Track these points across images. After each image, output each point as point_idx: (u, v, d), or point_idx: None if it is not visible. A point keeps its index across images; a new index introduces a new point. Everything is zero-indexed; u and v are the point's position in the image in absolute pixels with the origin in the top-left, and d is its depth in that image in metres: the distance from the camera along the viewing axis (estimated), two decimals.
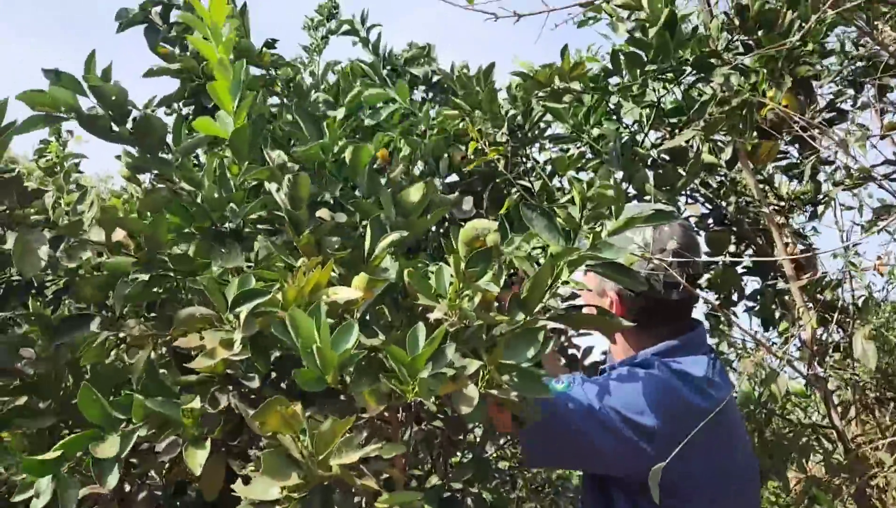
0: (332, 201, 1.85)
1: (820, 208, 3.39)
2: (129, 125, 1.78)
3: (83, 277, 1.85)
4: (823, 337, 3.08)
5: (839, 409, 2.99)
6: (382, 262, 1.67)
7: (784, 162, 3.39)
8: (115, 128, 1.77)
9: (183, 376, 1.61)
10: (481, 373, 1.50)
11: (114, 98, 1.75)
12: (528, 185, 2.69)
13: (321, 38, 3.40)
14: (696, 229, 2.81)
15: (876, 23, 2.67)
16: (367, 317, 1.68)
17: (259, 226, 1.90)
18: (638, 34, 2.54)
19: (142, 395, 1.46)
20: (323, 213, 1.77)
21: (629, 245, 2.07)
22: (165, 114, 2.77)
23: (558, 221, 1.65)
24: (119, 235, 1.83)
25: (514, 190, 2.56)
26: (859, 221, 3.25)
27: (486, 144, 2.48)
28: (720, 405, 1.85)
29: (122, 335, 1.77)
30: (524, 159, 2.78)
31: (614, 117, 2.70)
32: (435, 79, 3.13)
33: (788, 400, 3.34)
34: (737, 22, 2.75)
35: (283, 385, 1.73)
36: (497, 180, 2.63)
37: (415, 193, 1.81)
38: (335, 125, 1.96)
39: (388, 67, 3.08)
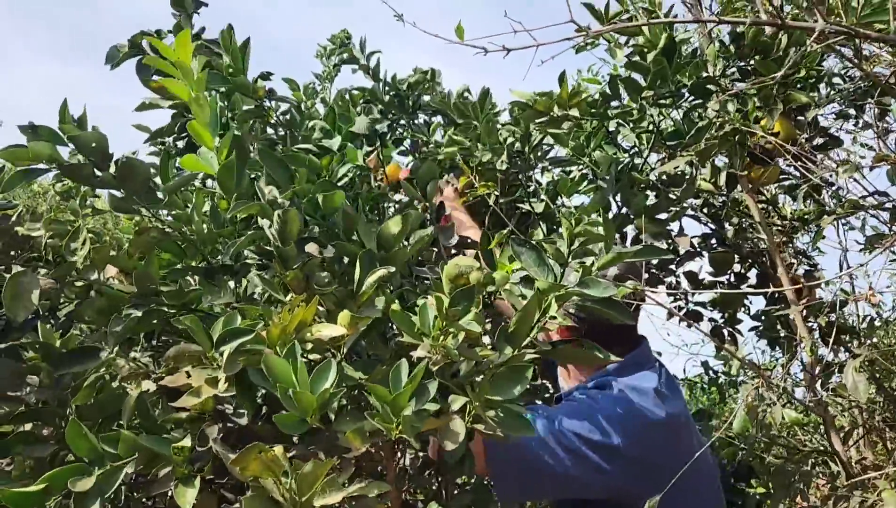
0: (318, 236, 1.87)
1: (824, 229, 3.38)
2: (112, 169, 1.79)
3: (85, 301, 1.87)
4: (826, 359, 3.07)
5: (842, 433, 2.97)
6: (370, 297, 1.68)
7: (787, 183, 3.39)
8: (98, 173, 1.78)
9: (174, 412, 1.62)
10: (467, 408, 1.51)
11: (93, 145, 1.77)
12: (530, 208, 2.71)
13: (333, 67, 3.43)
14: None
15: (864, 50, 2.67)
16: (356, 352, 1.69)
17: (248, 261, 1.91)
18: (636, 59, 2.56)
19: (132, 432, 1.48)
20: (311, 248, 1.78)
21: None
22: (156, 147, 2.80)
23: (547, 256, 1.66)
24: (111, 271, 1.86)
25: (508, 218, 2.58)
26: (862, 240, 3.22)
27: (477, 178, 2.50)
28: (677, 414, 1.99)
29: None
30: (526, 183, 2.79)
31: (612, 142, 2.71)
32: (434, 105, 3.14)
33: (787, 428, 3.32)
34: (732, 49, 2.76)
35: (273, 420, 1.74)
36: (490, 207, 2.64)
37: (394, 225, 1.82)
38: (325, 161, 1.97)
39: (392, 93, 3.10)
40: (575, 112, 2.52)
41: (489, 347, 1.59)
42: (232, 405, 1.62)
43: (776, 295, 3.15)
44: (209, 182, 2.37)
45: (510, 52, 2.01)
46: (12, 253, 1.89)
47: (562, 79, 2.52)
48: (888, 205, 2.91)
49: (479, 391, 1.51)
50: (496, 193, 2.60)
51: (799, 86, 2.72)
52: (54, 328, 1.93)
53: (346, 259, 1.84)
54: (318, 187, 1.83)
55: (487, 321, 1.68)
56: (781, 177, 3.22)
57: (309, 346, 1.55)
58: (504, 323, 1.66)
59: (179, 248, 1.88)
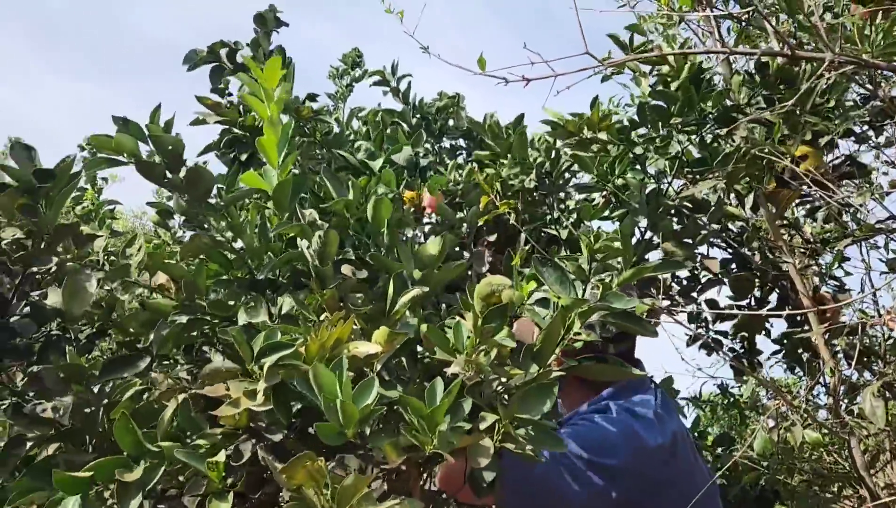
0: (354, 258, 1.91)
1: (836, 252, 3.39)
2: (181, 174, 1.89)
3: (129, 313, 1.95)
4: (849, 381, 3.07)
5: (868, 457, 2.97)
6: (403, 316, 1.72)
7: (807, 205, 3.40)
8: (169, 175, 1.88)
9: (209, 426, 1.66)
10: (496, 427, 1.53)
11: (170, 148, 1.87)
12: (556, 232, 2.74)
13: (346, 87, 3.48)
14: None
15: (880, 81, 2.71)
16: (386, 370, 1.73)
17: (285, 278, 1.96)
18: (660, 87, 2.60)
19: (169, 443, 1.53)
20: (346, 269, 1.82)
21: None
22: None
23: (568, 273, 1.70)
24: (162, 278, 1.93)
25: (524, 238, 2.62)
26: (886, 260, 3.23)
27: (498, 197, 2.54)
28: (675, 438, 2.04)
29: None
30: (551, 207, 2.83)
31: (638, 167, 2.75)
32: (464, 126, 3.18)
33: (811, 451, 3.32)
34: (757, 78, 2.78)
35: (306, 435, 1.77)
36: (512, 227, 2.68)
37: (432, 247, 1.87)
38: (363, 182, 2.02)
39: (419, 116, 3.14)
40: (603, 135, 2.56)
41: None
42: (265, 422, 1.66)
43: (797, 318, 3.16)
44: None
45: (529, 81, 2.06)
46: (74, 253, 1.96)
47: (594, 103, 2.57)
48: None
49: (509, 409, 1.53)
50: (517, 208, 2.63)
51: (825, 116, 2.74)
52: (76, 350, 1.99)
53: (379, 280, 1.88)
54: (369, 197, 1.89)
55: None
56: (803, 199, 3.25)
57: (346, 363, 1.59)
58: (525, 344, 1.68)
59: (227, 259, 1.94)
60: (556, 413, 1.75)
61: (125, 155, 1.86)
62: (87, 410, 1.85)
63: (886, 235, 3.10)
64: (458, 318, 1.66)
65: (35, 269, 1.96)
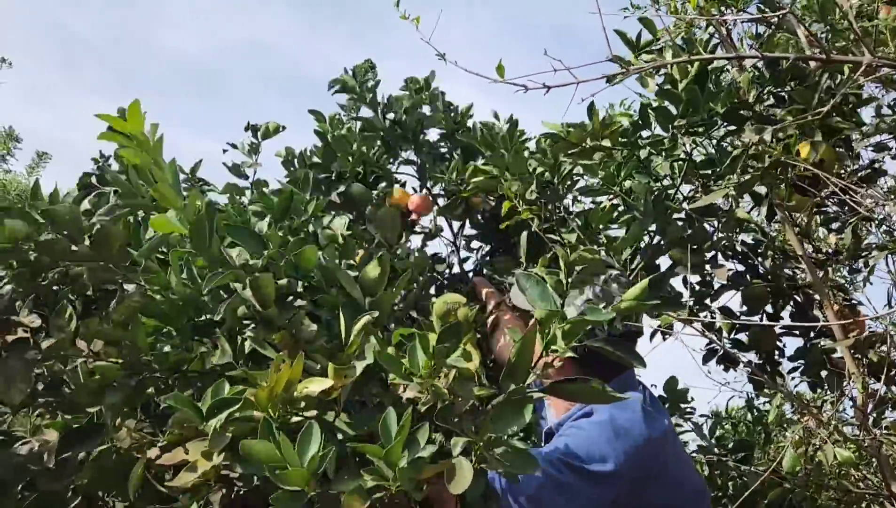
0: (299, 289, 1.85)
1: (863, 263, 3.29)
2: (87, 241, 1.81)
3: (78, 385, 1.84)
4: (878, 396, 2.95)
5: None
6: (358, 345, 1.66)
7: (823, 215, 3.31)
8: (74, 247, 1.80)
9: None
10: (471, 449, 1.47)
11: (67, 218, 1.79)
12: (560, 239, 2.65)
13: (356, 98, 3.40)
14: None
15: None
16: (354, 402, 1.68)
17: (245, 320, 1.89)
18: (667, 87, 2.53)
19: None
20: (299, 301, 1.75)
21: (577, 298, 2.07)
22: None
23: (548, 287, 1.63)
24: (99, 345, 1.84)
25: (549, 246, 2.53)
26: None
27: (521, 202, 2.45)
28: (663, 429, 2.08)
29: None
30: (556, 213, 2.74)
31: (644, 171, 2.66)
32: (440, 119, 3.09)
33: (839, 467, 3.19)
34: (767, 75, 2.71)
35: None
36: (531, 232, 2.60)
37: (372, 270, 1.81)
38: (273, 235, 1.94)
39: (391, 117, 3.03)
40: (607, 143, 2.50)
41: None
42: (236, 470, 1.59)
43: (815, 331, 3.05)
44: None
45: (550, 89, 2.02)
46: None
47: (591, 110, 2.50)
48: None
49: (482, 430, 1.47)
50: (539, 214, 2.55)
51: (844, 116, 2.66)
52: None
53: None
54: (290, 248, 1.82)
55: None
56: (821, 208, 3.15)
57: (303, 404, 1.53)
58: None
59: (163, 312, 1.85)
60: (531, 429, 1.66)
61: (22, 242, 1.77)
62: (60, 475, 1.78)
63: None
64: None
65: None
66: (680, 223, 2.67)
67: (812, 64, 2.67)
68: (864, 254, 3.20)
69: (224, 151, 3.23)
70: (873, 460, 2.96)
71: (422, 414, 1.48)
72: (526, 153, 2.70)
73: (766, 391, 3.42)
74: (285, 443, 1.36)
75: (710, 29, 3.21)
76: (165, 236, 1.83)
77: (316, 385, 1.51)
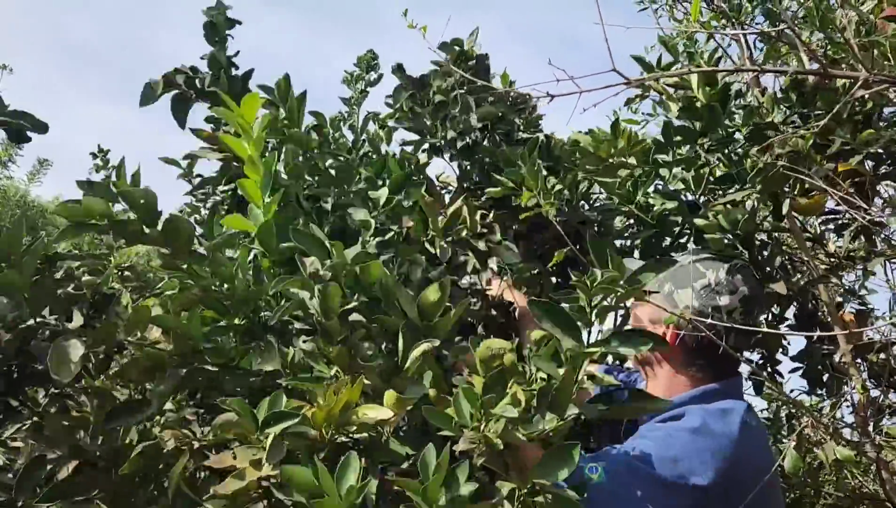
0: (361, 307, 1.81)
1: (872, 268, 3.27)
2: (159, 227, 1.79)
3: (130, 360, 1.84)
4: (878, 400, 2.96)
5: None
6: (415, 371, 1.63)
7: (832, 220, 3.28)
8: (147, 230, 1.79)
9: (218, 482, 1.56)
10: (516, 493, 1.43)
11: (142, 201, 1.77)
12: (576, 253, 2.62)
13: (360, 92, 3.33)
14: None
15: None
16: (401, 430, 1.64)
17: (296, 326, 1.87)
18: (688, 104, 2.48)
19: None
20: (355, 317, 1.72)
21: (698, 280, 2.03)
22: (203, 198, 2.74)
23: (572, 317, 1.54)
24: (154, 332, 1.84)
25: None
26: None
27: (542, 195, 2.39)
28: (773, 461, 1.87)
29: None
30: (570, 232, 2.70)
31: (668, 191, 2.61)
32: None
33: (837, 471, 3.21)
34: (794, 96, 2.66)
35: None
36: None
37: (432, 294, 1.76)
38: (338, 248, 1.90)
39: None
40: (632, 160, 2.46)
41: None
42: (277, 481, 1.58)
43: (821, 337, 3.04)
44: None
45: (553, 98, 1.96)
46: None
47: (616, 126, 2.45)
48: None
49: (528, 476, 1.43)
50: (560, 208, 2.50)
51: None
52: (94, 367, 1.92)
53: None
54: (355, 260, 1.77)
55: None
56: (828, 215, 3.13)
57: (355, 427, 1.51)
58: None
59: (222, 306, 1.85)
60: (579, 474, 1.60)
61: (97, 218, 1.76)
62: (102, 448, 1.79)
63: None
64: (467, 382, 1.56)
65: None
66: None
67: (839, 82, 2.63)
68: (865, 260, 3.18)
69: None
70: (872, 466, 2.99)
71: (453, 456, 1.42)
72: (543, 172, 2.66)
73: (766, 391, 3.43)
74: (324, 473, 1.33)
75: (719, 41, 3.17)
76: (237, 233, 1.83)
77: (374, 413, 1.48)
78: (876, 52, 2.27)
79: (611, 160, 2.46)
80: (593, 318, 1.53)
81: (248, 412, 1.48)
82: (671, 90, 2.53)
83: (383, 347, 1.74)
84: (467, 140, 2.72)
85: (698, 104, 2.44)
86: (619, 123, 2.47)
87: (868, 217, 2.45)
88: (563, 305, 1.57)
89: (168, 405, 1.92)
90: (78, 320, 1.82)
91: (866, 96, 2.37)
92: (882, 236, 3.04)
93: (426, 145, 2.77)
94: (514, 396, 1.45)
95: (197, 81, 2.49)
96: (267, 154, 1.87)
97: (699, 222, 2.40)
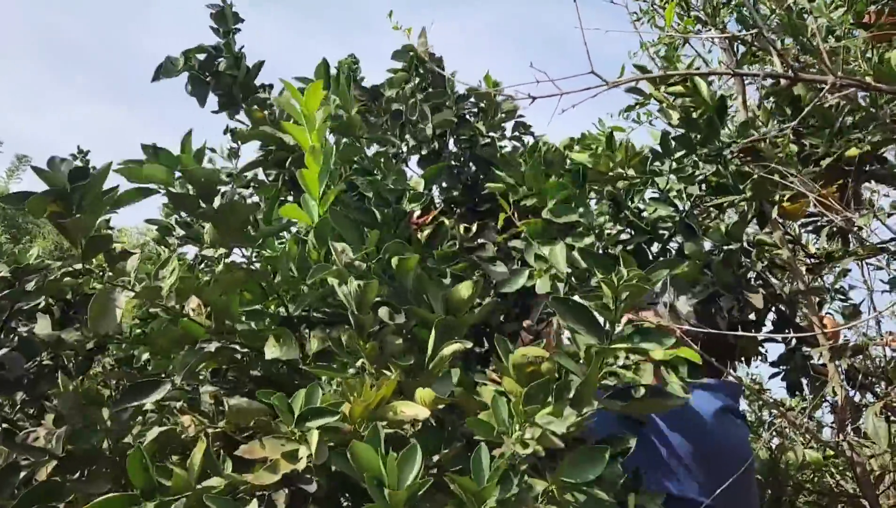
0: (387, 299, 1.79)
1: (843, 268, 3.30)
2: (215, 204, 1.78)
3: (160, 328, 1.83)
4: (853, 402, 2.98)
5: (872, 477, 2.89)
6: (442, 370, 1.60)
7: (812, 222, 3.30)
8: (203, 205, 1.77)
9: (236, 467, 1.52)
10: (542, 490, 1.42)
11: (203, 179, 1.75)
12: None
13: None
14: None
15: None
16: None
17: (316, 314, 1.85)
18: (685, 116, 2.47)
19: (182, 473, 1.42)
20: (383, 313, 1.69)
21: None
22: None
23: (596, 314, 1.55)
24: (193, 303, 1.80)
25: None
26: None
27: (516, 215, 2.38)
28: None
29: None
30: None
31: (657, 195, 2.60)
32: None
33: (814, 471, 3.24)
34: (789, 111, 2.67)
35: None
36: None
37: (464, 290, 1.74)
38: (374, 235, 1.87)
39: None
40: (631, 171, 2.44)
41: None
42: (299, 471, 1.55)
43: (799, 342, 3.06)
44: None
45: (535, 99, 1.97)
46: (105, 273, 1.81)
47: (610, 139, 2.43)
48: None
49: (557, 474, 1.42)
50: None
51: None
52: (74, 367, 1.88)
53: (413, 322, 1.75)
54: (392, 249, 1.75)
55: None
56: (807, 217, 3.15)
57: (386, 423, 1.48)
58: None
59: (262, 291, 1.83)
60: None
61: (157, 184, 1.74)
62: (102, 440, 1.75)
63: (889, 254, 3.01)
64: (490, 380, 1.55)
65: (23, 305, 1.85)
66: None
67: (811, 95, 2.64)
68: (839, 261, 3.20)
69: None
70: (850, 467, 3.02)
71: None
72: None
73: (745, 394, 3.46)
74: (390, 460, 1.30)
75: (697, 48, 3.17)
76: (292, 222, 1.79)
77: (411, 410, 1.46)
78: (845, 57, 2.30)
79: (611, 173, 2.44)
80: (618, 316, 1.52)
81: (287, 407, 1.45)
82: (671, 98, 2.51)
83: (409, 342, 1.71)
84: (432, 147, 2.69)
85: (695, 114, 2.44)
86: (612, 137, 2.45)
87: (843, 216, 2.48)
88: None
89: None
90: (44, 325, 1.79)
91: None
92: (856, 236, 3.06)
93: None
94: (558, 407, 1.43)
95: (215, 63, 2.45)
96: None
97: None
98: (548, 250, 2.06)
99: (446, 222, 2.32)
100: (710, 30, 2.81)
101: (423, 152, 2.70)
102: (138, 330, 2.44)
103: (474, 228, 2.44)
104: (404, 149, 2.70)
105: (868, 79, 2.18)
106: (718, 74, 2.80)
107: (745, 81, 2.99)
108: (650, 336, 1.52)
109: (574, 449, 1.47)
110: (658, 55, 2.89)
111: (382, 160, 2.26)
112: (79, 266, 1.77)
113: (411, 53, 2.74)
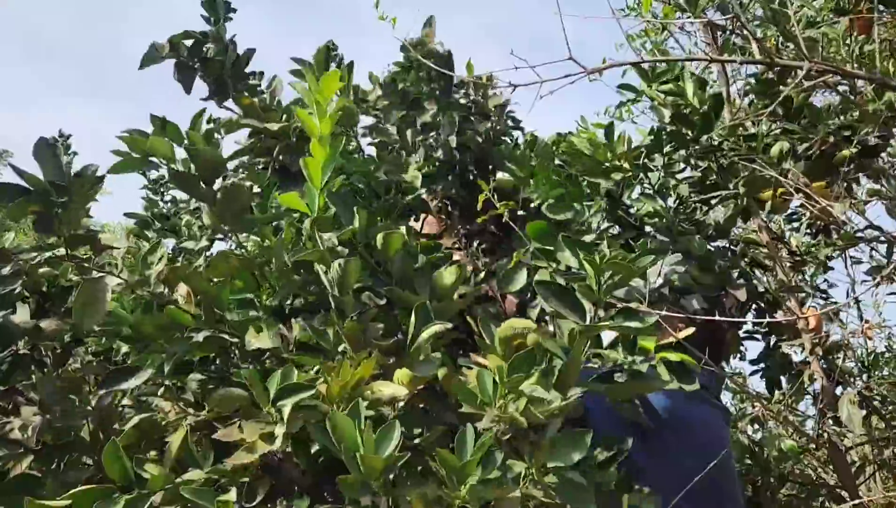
0: (371, 284, 1.73)
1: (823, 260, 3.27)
2: (216, 187, 1.73)
3: (146, 315, 1.74)
4: (833, 393, 2.95)
5: (854, 468, 2.86)
6: (424, 352, 1.54)
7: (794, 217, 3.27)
8: (203, 187, 1.72)
9: (215, 457, 1.47)
10: (523, 473, 1.37)
11: (207, 159, 1.70)
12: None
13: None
14: None
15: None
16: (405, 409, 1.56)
17: (300, 302, 1.79)
18: (678, 112, 2.43)
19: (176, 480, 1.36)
20: (366, 297, 1.64)
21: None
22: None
23: (578, 295, 1.50)
24: (182, 291, 1.74)
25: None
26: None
27: (496, 197, 2.33)
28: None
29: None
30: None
31: (650, 191, 2.55)
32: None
33: (791, 458, 3.20)
34: (780, 111, 2.63)
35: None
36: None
37: (448, 275, 1.70)
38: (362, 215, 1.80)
39: None
40: (626, 164, 2.40)
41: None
42: (278, 457, 1.49)
43: (779, 337, 3.02)
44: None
45: (516, 88, 1.93)
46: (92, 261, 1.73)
47: (610, 130, 2.38)
48: (883, 239, 2.82)
49: (537, 457, 1.37)
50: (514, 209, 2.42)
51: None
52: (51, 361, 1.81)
53: (395, 310, 1.70)
54: (380, 228, 1.70)
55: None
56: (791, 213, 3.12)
57: (365, 404, 1.42)
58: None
59: (254, 279, 1.76)
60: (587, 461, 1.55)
61: (158, 158, 1.69)
62: (82, 422, 1.68)
63: (867, 243, 2.98)
64: (474, 362, 1.51)
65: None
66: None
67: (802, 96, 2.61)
68: (820, 252, 3.16)
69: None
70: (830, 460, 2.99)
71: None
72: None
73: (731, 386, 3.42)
74: (368, 431, 1.26)
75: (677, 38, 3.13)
76: (289, 211, 1.74)
77: (389, 389, 1.41)
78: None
79: (608, 165, 2.40)
80: (602, 296, 1.48)
81: (260, 384, 1.39)
82: (663, 96, 2.46)
83: (392, 326, 1.66)
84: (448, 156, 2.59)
85: (688, 111, 2.39)
86: (613, 128, 2.41)
87: (821, 206, 2.45)
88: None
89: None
90: (23, 313, 1.73)
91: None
92: (835, 226, 3.03)
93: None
94: (542, 377, 1.39)
95: (203, 49, 2.38)
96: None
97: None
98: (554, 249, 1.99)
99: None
100: (689, 17, 2.77)
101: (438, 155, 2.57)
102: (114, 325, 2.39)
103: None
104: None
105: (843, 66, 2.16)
106: (697, 60, 2.76)
107: (730, 73, 2.96)
108: (633, 317, 1.49)
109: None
110: (643, 47, 2.85)
111: (378, 150, 2.20)
112: (62, 252, 1.67)
113: (418, 47, 2.57)
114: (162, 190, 3.69)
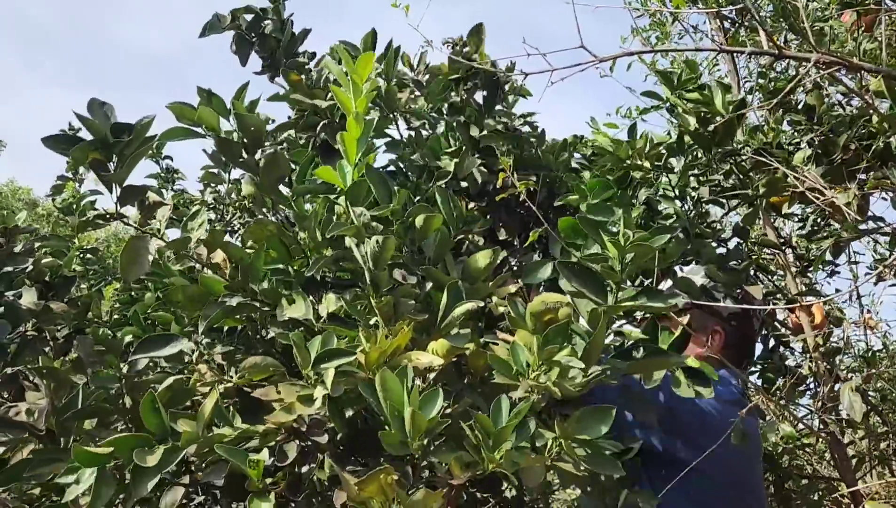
0: (403, 262, 1.73)
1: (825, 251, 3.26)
2: (258, 156, 1.76)
3: (179, 284, 1.78)
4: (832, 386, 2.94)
5: (853, 462, 2.85)
6: (453, 328, 1.55)
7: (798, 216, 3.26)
8: (245, 155, 1.75)
9: (246, 419, 1.48)
10: (549, 444, 1.39)
11: (252, 129, 1.73)
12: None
13: None
14: None
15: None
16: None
17: (330, 277, 1.79)
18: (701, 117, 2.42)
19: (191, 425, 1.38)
20: (398, 274, 1.63)
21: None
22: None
23: (600, 276, 1.49)
24: (219, 257, 1.74)
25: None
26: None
27: (516, 177, 2.29)
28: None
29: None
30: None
31: (670, 194, 2.53)
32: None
33: (795, 449, 3.19)
34: (803, 122, 2.62)
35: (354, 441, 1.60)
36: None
37: (482, 259, 1.71)
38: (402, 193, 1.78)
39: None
40: (647, 163, 2.38)
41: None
42: (306, 422, 1.49)
43: (778, 339, 3.02)
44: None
45: (527, 75, 1.94)
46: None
47: (633, 129, 2.36)
48: (886, 229, 2.81)
49: (567, 429, 1.38)
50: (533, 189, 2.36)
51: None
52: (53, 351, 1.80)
53: (428, 285, 1.70)
54: (417, 209, 1.69)
55: None
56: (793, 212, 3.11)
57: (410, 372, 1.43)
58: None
59: (287, 250, 1.78)
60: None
61: (204, 128, 1.71)
62: (114, 387, 1.69)
63: (869, 235, 2.96)
64: (501, 339, 1.52)
65: (10, 268, 1.76)
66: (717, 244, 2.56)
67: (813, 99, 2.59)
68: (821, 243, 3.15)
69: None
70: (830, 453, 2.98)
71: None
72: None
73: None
74: (415, 394, 1.28)
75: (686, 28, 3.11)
76: (326, 185, 1.74)
77: (426, 358, 1.41)
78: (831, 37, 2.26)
79: (628, 162, 2.38)
80: (624, 276, 1.48)
81: (304, 346, 1.40)
82: (688, 105, 2.43)
83: (423, 303, 1.67)
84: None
85: (718, 118, 2.37)
86: (636, 127, 2.39)
87: (826, 199, 2.43)
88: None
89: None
90: (31, 295, 1.73)
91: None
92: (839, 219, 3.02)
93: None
94: (575, 349, 1.39)
95: (261, 25, 2.38)
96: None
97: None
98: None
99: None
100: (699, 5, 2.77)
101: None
102: (117, 315, 2.42)
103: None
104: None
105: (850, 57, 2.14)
106: (706, 51, 2.76)
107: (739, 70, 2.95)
108: (656, 297, 1.49)
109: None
110: (648, 41, 2.84)
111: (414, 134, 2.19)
112: (108, 210, 1.69)
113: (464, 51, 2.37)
114: (170, 181, 3.82)
